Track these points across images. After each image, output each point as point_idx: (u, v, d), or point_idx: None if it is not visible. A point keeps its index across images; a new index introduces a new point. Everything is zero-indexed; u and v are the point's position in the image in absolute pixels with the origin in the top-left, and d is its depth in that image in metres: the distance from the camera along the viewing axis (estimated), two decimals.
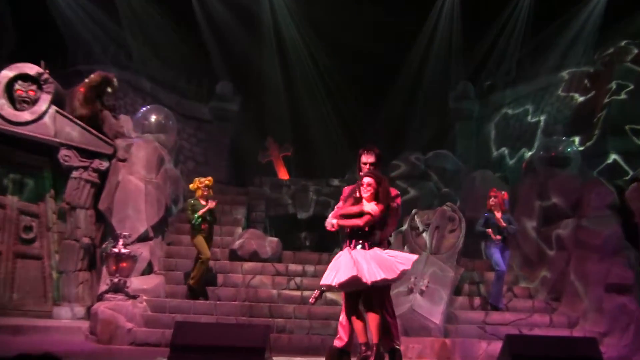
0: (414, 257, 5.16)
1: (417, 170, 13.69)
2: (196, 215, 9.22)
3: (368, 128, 15.92)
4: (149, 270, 9.81)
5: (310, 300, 5.53)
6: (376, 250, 5.10)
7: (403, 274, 4.99)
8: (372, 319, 5.02)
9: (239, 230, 11.98)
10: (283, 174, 15.82)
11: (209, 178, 9.57)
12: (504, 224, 9.08)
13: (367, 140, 17.17)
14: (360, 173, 5.52)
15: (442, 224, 9.84)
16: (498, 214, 9.24)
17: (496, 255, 9.16)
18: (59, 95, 10.12)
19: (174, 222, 11.66)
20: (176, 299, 9.39)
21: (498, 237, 9.11)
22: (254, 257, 10.79)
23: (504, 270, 9.08)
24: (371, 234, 5.11)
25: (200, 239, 9.29)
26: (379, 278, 4.89)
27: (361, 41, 15.60)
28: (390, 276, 4.93)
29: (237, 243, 10.98)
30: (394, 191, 5.52)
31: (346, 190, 5.61)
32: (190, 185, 9.60)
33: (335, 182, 14.90)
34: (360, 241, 5.11)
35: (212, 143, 15.32)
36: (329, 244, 12.01)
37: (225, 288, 9.92)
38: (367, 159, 5.52)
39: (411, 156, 13.86)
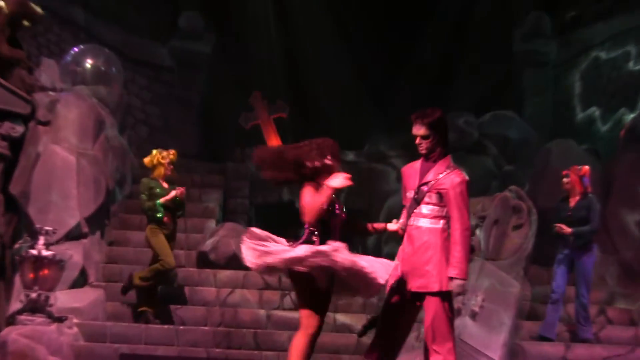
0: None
1: (467, 139, 13.69)
2: (158, 202, 9.14)
3: (397, 79, 15.81)
4: (82, 281, 9.85)
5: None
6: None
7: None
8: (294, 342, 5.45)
9: (212, 224, 12.01)
10: (275, 144, 15.71)
11: (173, 151, 9.51)
12: (569, 230, 9.03)
13: (393, 97, 16.96)
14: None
15: (503, 217, 9.77)
16: (573, 201, 9.25)
17: (557, 269, 9.19)
18: None
19: (119, 212, 11.70)
20: (121, 322, 9.40)
21: (567, 230, 9.06)
22: (232, 262, 10.74)
23: (558, 297, 9.15)
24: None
25: (162, 240, 9.30)
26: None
27: None
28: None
29: (209, 242, 10.93)
30: (458, 175, 5.56)
31: (403, 171, 5.78)
32: (146, 160, 9.53)
33: (350, 155, 14.84)
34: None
35: (173, 100, 15.31)
36: None
37: (191, 307, 9.93)
38: (416, 130, 5.61)
39: (459, 119, 13.84)
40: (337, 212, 5.57)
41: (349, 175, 5.50)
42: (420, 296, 5.49)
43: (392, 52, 16.23)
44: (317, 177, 5.57)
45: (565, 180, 9.35)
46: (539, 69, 15.62)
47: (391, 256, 12.29)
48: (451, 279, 5.41)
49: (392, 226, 5.64)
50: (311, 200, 5.44)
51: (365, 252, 13.50)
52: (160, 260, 9.21)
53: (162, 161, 9.38)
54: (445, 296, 5.46)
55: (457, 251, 5.43)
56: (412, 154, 6.11)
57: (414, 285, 5.47)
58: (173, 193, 9.24)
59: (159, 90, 15.19)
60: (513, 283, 9.28)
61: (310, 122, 15.90)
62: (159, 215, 9.17)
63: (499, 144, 13.86)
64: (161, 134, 14.25)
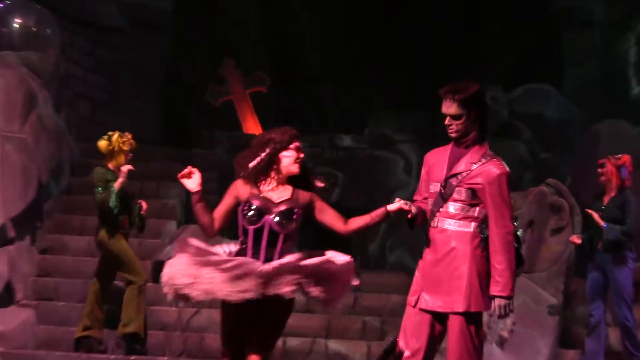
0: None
1: (494, 119, 13.59)
2: (112, 189, 9.04)
3: (407, 44, 15.72)
4: (7, 298, 9.85)
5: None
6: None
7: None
8: None
9: (172, 226, 12.01)
10: (252, 126, 15.73)
11: (129, 135, 9.47)
12: (602, 223, 9.03)
13: (402, 67, 16.77)
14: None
15: (539, 218, 9.83)
16: (607, 197, 9.28)
17: (589, 284, 9.21)
18: None
19: (54, 211, 11.63)
20: (56, 350, 9.34)
21: (599, 221, 9.09)
22: None
23: (597, 320, 9.13)
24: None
25: (126, 246, 9.30)
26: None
27: None
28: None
29: (169, 250, 10.82)
30: (497, 165, 5.51)
31: (426, 158, 5.78)
32: (102, 145, 9.36)
33: (347, 140, 14.73)
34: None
35: (124, 69, 15.17)
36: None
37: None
38: (445, 108, 5.57)
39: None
40: (258, 216, 5.49)
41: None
42: (442, 317, 5.43)
43: (400, 10, 16.15)
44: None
45: (600, 171, 9.35)
46: (583, 32, 15.64)
47: (398, 267, 12.23)
48: (492, 297, 5.36)
49: (393, 205, 5.49)
50: None
51: (366, 262, 13.48)
52: (131, 280, 9.15)
53: (124, 148, 9.28)
54: (473, 319, 5.41)
55: (498, 262, 5.37)
56: (430, 138, 6.00)
57: (435, 303, 5.43)
58: (125, 168, 9.13)
59: (105, 56, 15.07)
60: (551, 301, 9.34)
61: (297, 99, 15.84)
62: (112, 205, 9.04)
63: (534, 126, 13.85)
64: (108, 112, 14.15)
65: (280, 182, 5.56)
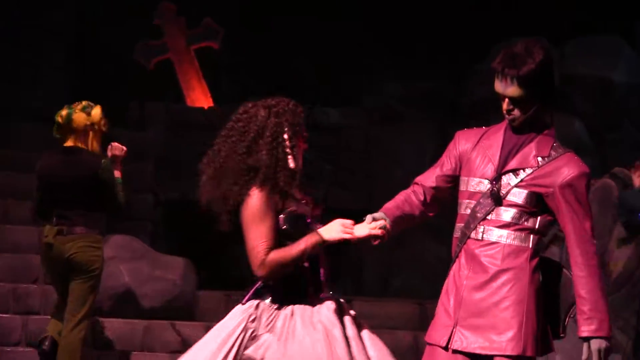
0: None
1: None
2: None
3: None
4: None
5: None
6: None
7: None
8: None
9: None
10: (198, 95, 15.76)
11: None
12: None
13: (411, 12, 16.81)
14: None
15: (602, 222, 9.90)
16: None
17: None
18: None
19: None
20: None
21: None
22: (124, 306, 10.97)
23: None
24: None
25: None
26: None
27: None
28: None
29: None
30: (575, 162, 5.53)
31: (461, 137, 5.81)
32: (78, 119, 9.27)
33: (334, 115, 14.78)
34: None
35: (24, 20, 15.18)
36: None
37: None
38: (502, 87, 5.53)
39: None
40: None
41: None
42: None
43: None
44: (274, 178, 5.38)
45: None
46: None
47: (406, 293, 12.40)
48: (586, 339, 5.34)
49: (362, 230, 5.44)
50: (259, 235, 5.32)
51: (359, 287, 13.53)
52: (78, 319, 9.10)
53: (104, 129, 9.40)
54: None
55: (588, 291, 5.39)
56: (454, 112, 5.98)
57: (477, 342, 5.47)
58: (120, 148, 9.38)
59: None
60: (617, 339, 9.40)
61: (262, 56, 15.85)
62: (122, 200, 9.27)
63: (595, 94, 13.90)
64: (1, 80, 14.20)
65: None
